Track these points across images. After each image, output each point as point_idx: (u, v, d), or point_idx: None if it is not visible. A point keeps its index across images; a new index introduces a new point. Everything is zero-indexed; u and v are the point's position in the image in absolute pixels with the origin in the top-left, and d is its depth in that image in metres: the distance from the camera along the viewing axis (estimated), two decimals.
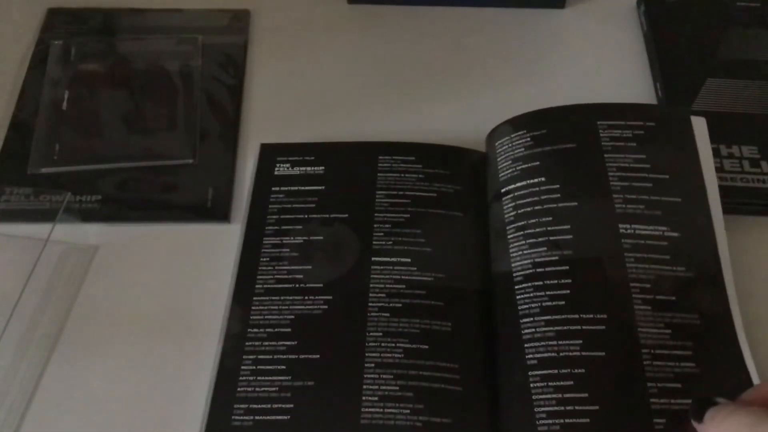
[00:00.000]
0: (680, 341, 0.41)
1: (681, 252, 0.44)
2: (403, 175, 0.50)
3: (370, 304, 0.45)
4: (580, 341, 0.41)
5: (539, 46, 0.61)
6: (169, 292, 0.48)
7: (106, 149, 0.53)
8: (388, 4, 0.63)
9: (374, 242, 0.47)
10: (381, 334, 0.44)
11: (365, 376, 0.42)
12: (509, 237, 0.46)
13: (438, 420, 0.41)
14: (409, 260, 0.47)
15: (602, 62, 0.59)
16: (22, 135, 0.54)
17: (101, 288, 0.48)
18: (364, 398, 0.41)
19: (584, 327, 0.41)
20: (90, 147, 0.53)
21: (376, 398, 0.41)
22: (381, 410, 0.41)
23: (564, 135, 0.49)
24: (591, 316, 0.42)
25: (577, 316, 0.42)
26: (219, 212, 0.51)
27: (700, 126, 0.48)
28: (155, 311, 0.47)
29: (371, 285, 0.46)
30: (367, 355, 0.43)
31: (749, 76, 0.55)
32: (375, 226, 0.48)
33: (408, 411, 0.41)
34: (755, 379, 0.40)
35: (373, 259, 0.47)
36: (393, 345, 0.43)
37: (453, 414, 0.41)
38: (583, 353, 0.41)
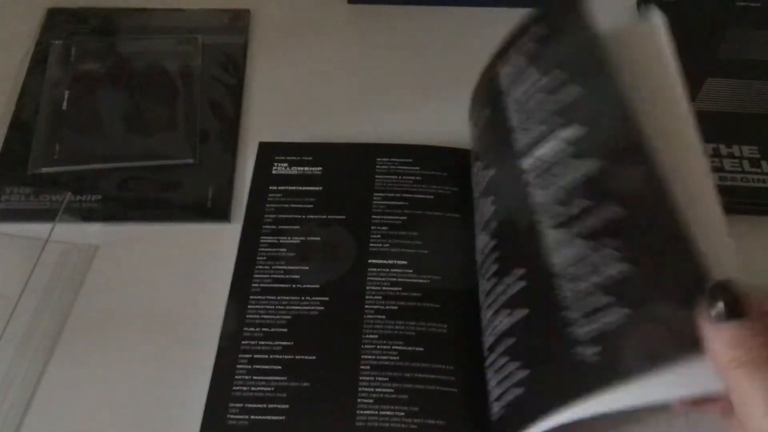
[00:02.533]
0: (603, 246, 0.33)
1: (588, 146, 0.35)
2: (400, 177, 0.51)
3: (366, 306, 0.45)
4: (508, 310, 0.38)
5: None
6: (169, 291, 0.48)
7: (106, 149, 0.53)
8: (388, 4, 0.63)
9: (371, 244, 0.48)
10: (377, 336, 0.44)
11: (361, 377, 0.42)
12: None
13: (433, 422, 0.41)
14: (405, 263, 0.47)
15: None
16: (22, 135, 0.54)
17: (101, 288, 0.48)
18: (359, 400, 0.42)
19: (509, 293, 0.38)
20: (90, 147, 0.53)
21: (371, 400, 0.42)
22: (376, 412, 0.41)
23: (483, 105, 0.44)
24: (512, 279, 0.38)
25: (504, 286, 0.38)
26: (219, 212, 0.51)
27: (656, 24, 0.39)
28: (155, 311, 0.47)
29: (367, 287, 0.46)
30: (362, 357, 0.43)
31: (749, 76, 0.55)
32: (372, 228, 0.48)
33: (403, 413, 0.41)
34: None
35: (369, 261, 0.47)
36: (388, 347, 0.43)
37: (448, 416, 0.41)
38: (512, 321, 0.37)
